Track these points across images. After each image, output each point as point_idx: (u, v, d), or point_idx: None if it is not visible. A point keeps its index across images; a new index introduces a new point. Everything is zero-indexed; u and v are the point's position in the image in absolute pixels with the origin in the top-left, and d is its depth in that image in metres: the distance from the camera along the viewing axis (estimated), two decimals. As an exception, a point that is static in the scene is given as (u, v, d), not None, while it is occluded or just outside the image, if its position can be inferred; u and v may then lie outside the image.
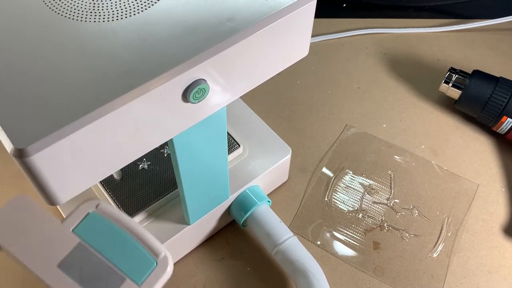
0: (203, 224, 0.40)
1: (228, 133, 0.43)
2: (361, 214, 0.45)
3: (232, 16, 0.26)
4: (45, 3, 0.27)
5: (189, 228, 0.39)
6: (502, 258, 0.42)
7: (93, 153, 0.24)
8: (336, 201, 0.46)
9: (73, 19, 0.26)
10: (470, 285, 0.41)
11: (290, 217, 0.45)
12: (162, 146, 0.42)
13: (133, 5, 0.27)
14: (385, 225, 0.44)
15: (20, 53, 0.25)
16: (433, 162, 0.48)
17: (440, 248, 0.43)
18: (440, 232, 0.44)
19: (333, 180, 0.47)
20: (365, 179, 0.47)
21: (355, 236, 0.43)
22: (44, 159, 0.22)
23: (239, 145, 0.43)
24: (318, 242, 0.43)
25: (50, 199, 0.25)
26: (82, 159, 0.24)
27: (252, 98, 0.53)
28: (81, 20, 0.26)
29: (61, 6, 0.27)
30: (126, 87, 0.23)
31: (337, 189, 0.46)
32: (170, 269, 0.24)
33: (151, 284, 0.23)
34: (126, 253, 0.24)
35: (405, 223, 0.44)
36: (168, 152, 0.41)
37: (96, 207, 0.25)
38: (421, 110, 0.53)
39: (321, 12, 0.60)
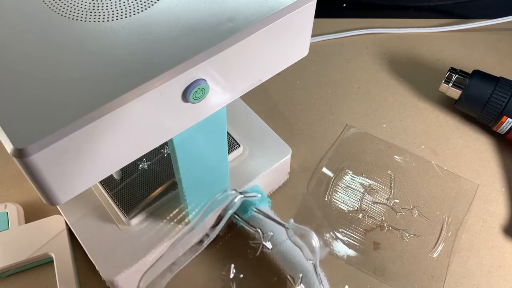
0: (203, 224, 0.40)
1: (228, 133, 0.43)
2: (361, 214, 0.45)
3: (232, 16, 0.26)
4: (45, 3, 0.27)
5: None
6: (502, 258, 0.42)
7: (93, 153, 0.24)
8: (336, 201, 0.46)
9: (73, 19, 0.26)
10: (470, 285, 0.41)
11: (290, 217, 0.45)
12: (162, 146, 0.42)
13: (133, 5, 0.27)
14: (385, 225, 0.44)
15: (19, 53, 0.25)
16: (433, 162, 0.48)
17: (440, 248, 0.43)
18: (440, 232, 0.44)
19: (333, 180, 0.47)
20: (365, 179, 0.47)
21: (355, 236, 0.43)
22: (44, 159, 0.22)
23: (239, 145, 0.43)
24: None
25: (50, 199, 0.25)
26: (82, 159, 0.24)
27: (252, 98, 0.53)
28: (81, 20, 0.26)
29: (61, 6, 0.27)
30: (125, 87, 0.23)
31: (337, 189, 0.46)
32: None
33: None
34: None
35: (405, 223, 0.44)
36: (168, 152, 0.41)
37: None
38: (421, 110, 0.53)
39: (321, 12, 0.60)
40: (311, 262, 0.36)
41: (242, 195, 0.36)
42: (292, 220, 0.37)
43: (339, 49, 0.59)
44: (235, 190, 0.36)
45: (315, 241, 0.36)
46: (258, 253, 0.38)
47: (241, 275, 0.38)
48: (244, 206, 0.41)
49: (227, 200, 0.35)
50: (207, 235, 0.35)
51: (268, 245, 0.38)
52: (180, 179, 0.34)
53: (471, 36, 0.60)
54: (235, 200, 0.36)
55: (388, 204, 0.45)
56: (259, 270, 0.41)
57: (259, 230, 0.38)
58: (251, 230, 0.38)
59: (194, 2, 0.27)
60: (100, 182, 0.40)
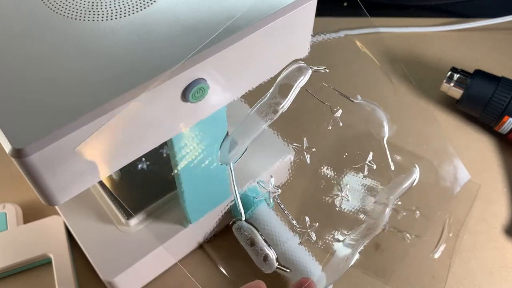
0: (203, 224, 0.40)
1: (228, 133, 0.43)
2: (362, 215, 0.44)
3: (232, 15, 0.26)
4: (44, 2, 0.27)
5: (189, 229, 0.39)
6: (503, 258, 0.42)
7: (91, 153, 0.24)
8: (336, 201, 0.45)
9: (72, 18, 0.26)
10: (472, 286, 0.41)
11: (290, 217, 0.44)
12: (162, 146, 0.42)
13: (132, 4, 0.27)
14: (386, 225, 0.44)
15: (17, 52, 0.25)
16: (434, 162, 0.48)
17: (441, 248, 0.42)
18: (442, 233, 0.43)
19: (333, 180, 0.47)
20: (366, 179, 0.47)
21: (356, 237, 0.43)
22: (43, 159, 0.22)
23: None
24: (319, 243, 0.43)
25: (48, 200, 0.24)
26: (81, 159, 0.24)
27: (252, 98, 0.52)
28: (80, 19, 0.26)
29: (59, 5, 0.27)
30: (125, 86, 0.23)
31: (337, 189, 0.46)
32: None
33: None
34: None
35: (407, 224, 0.44)
36: (167, 152, 0.41)
37: None
38: (423, 110, 0.52)
39: (321, 11, 0.60)
40: (380, 137, 0.36)
41: (312, 68, 0.35)
42: (359, 96, 0.37)
43: (340, 49, 0.59)
44: (304, 62, 0.34)
45: (383, 116, 0.36)
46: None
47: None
48: (245, 206, 0.41)
49: (296, 71, 0.34)
50: (279, 104, 0.34)
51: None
52: (180, 180, 0.34)
53: (472, 35, 0.60)
54: (307, 71, 0.34)
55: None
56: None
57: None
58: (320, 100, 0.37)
59: (193, 1, 0.27)
60: (99, 182, 0.40)
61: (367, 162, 0.36)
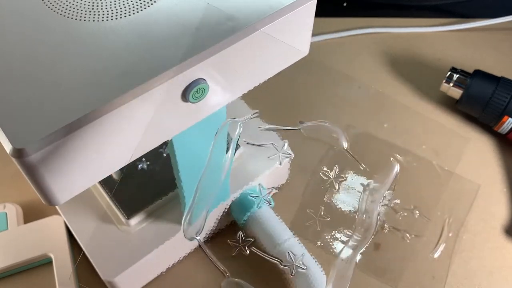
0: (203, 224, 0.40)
1: (228, 133, 0.43)
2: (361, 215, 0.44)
3: (231, 15, 0.26)
4: (44, 2, 0.27)
5: (189, 229, 0.39)
6: (503, 258, 0.42)
7: (92, 153, 0.24)
8: (336, 201, 0.45)
9: (72, 18, 0.26)
10: (471, 286, 0.41)
11: (290, 217, 0.44)
12: (162, 146, 0.42)
13: (133, 4, 0.27)
14: (385, 225, 0.44)
15: (17, 52, 0.25)
16: (434, 162, 0.48)
17: (441, 248, 0.42)
18: (441, 233, 0.43)
19: (333, 180, 0.47)
20: (365, 179, 0.47)
21: (355, 236, 0.43)
22: (43, 159, 0.22)
23: (239, 145, 0.43)
24: (318, 243, 0.43)
25: (49, 200, 0.24)
26: (81, 159, 0.24)
27: (252, 98, 0.53)
28: (80, 19, 0.26)
29: (59, 5, 0.27)
30: (125, 86, 0.23)
31: (337, 189, 0.46)
32: None
33: None
34: None
35: (406, 224, 0.44)
36: (168, 152, 0.41)
37: None
38: (422, 110, 0.53)
39: (321, 11, 0.60)
40: (340, 148, 0.37)
41: (242, 120, 0.35)
42: (302, 123, 0.37)
43: (340, 49, 0.59)
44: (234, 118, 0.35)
45: (335, 129, 0.36)
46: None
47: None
48: (245, 206, 0.41)
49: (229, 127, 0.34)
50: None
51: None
52: (180, 180, 0.34)
53: (472, 35, 0.60)
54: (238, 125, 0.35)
55: (389, 205, 0.45)
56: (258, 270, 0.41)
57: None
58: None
59: (193, 1, 0.27)
60: (99, 182, 0.40)
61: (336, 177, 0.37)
